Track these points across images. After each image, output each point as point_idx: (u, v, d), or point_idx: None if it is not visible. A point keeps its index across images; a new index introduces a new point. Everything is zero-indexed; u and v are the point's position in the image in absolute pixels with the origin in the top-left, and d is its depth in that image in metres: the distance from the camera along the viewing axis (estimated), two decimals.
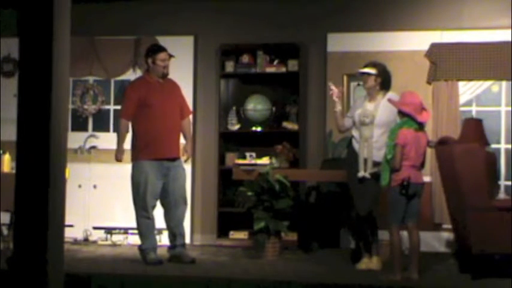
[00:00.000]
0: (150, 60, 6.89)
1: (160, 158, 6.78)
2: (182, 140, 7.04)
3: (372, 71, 6.58)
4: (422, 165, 6.14)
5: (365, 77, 6.62)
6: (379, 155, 6.42)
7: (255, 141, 8.57)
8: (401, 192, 5.95)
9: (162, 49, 6.96)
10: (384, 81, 6.59)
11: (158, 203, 6.90)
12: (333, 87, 6.83)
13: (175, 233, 6.91)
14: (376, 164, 6.44)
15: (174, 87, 7.05)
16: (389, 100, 6.27)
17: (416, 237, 6.04)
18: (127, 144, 8.35)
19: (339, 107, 6.75)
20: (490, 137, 7.41)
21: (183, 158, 6.98)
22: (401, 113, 6.10)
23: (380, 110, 6.50)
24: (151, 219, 6.82)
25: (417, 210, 6.09)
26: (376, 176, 6.39)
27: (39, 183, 4.42)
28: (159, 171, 6.78)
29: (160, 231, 7.56)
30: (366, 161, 6.50)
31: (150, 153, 6.76)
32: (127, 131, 6.89)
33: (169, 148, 6.83)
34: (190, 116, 7.21)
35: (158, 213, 6.95)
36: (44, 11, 4.48)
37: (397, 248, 6.02)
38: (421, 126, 6.08)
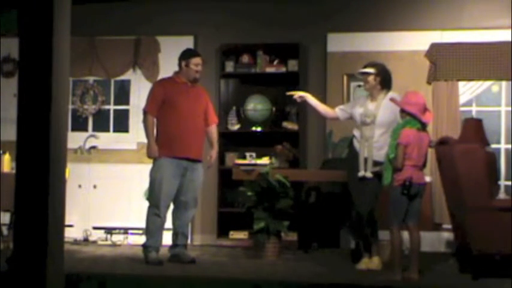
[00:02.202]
0: (183, 63, 6.92)
1: (179, 156, 6.78)
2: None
3: (372, 70, 6.58)
4: (424, 165, 6.14)
5: (365, 77, 6.62)
6: (379, 154, 6.42)
7: (255, 141, 8.57)
8: (403, 192, 5.95)
9: (197, 54, 7.06)
10: (384, 81, 6.59)
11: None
12: (291, 94, 7.05)
13: (178, 232, 6.91)
14: (376, 163, 6.44)
15: (202, 93, 7.08)
16: (392, 99, 6.26)
17: (416, 238, 6.04)
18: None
19: (309, 101, 6.95)
20: (490, 137, 7.40)
21: (205, 163, 6.97)
22: (404, 113, 6.08)
23: (381, 110, 6.51)
24: (161, 218, 6.80)
25: (418, 211, 6.08)
26: (377, 176, 6.39)
27: (39, 183, 4.42)
28: (176, 170, 6.78)
29: None
30: (366, 160, 6.50)
31: (169, 151, 6.77)
32: (153, 126, 6.87)
33: (189, 148, 6.83)
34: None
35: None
36: (44, 11, 4.48)
37: (398, 248, 6.01)
38: (423, 126, 6.08)
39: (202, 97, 7.05)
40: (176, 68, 7.01)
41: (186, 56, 6.97)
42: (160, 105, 6.83)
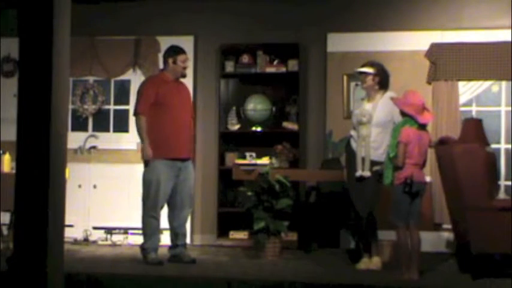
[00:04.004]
0: (170, 60, 6.91)
1: (174, 157, 6.77)
2: None
3: (370, 70, 6.58)
4: (424, 164, 6.14)
5: (363, 77, 6.62)
6: (376, 154, 6.43)
7: (255, 141, 8.57)
8: (404, 190, 5.95)
9: (183, 51, 7.02)
10: (382, 81, 6.59)
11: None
12: None
13: (177, 232, 6.90)
14: (374, 163, 6.44)
15: (186, 90, 7.10)
16: (392, 99, 6.27)
17: (417, 237, 6.04)
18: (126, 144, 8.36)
19: None
20: (490, 137, 7.41)
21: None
22: (402, 112, 6.10)
23: (378, 109, 6.51)
24: (157, 219, 6.81)
25: (419, 211, 6.08)
26: (376, 175, 6.38)
27: (39, 183, 4.42)
28: (171, 171, 6.77)
29: (160, 231, 7.55)
30: (363, 160, 6.50)
31: (164, 152, 6.74)
32: (146, 127, 6.78)
33: (183, 148, 6.82)
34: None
35: (162, 213, 6.95)
36: (44, 11, 4.47)
37: (404, 248, 6.00)
38: (422, 126, 6.08)
39: (187, 93, 7.06)
40: None
41: (173, 53, 6.94)
42: (151, 105, 6.76)
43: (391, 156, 6.04)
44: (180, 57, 6.91)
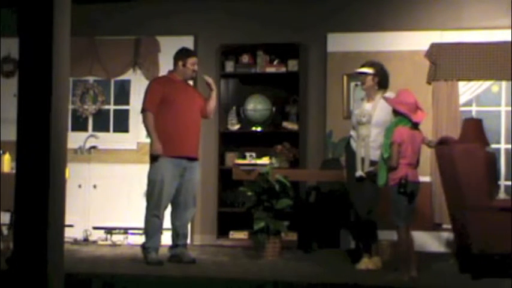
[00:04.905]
0: (180, 62, 6.93)
1: (179, 155, 6.77)
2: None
3: (369, 70, 6.57)
4: (417, 163, 6.14)
5: (362, 77, 6.62)
6: (376, 154, 6.42)
7: (255, 141, 8.58)
8: (399, 190, 5.95)
9: (193, 53, 7.08)
10: (382, 81, 6.58)
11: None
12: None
13: (179, 232, 6.91)
14: (373, 163, 6.44)
15: (195, 91, 7.16)
16: (385, 98, 6.27)
17: (410, 237, 6.04)
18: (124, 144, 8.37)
19: None
20: (490, 137, 7.41)
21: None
22: (395, 111, 6.10)
23: (378, 109, 6.50)
24: (160, 219, 6.80)
25: (413, 210, 6.08)
26: (371, 176, 6.37)
27: (39, 183, 4.42)
28: (176, 170, 6.77)
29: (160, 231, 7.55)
30: (363, 160, 6.49)
31: (169, 150, 6.73)
32: (153, 124, 6.78)
33: (188, 147, 6.82)
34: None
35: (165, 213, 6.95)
36: (44, 11, 4.47)
37: (405, 248, 5.99)
38: (415, 125, 6.07)
39: (197, 94, 7.07)
40: None
41: (182, 55, 6.96)
42: (158, 103, 6.79)
43: (385, 157, 6.04)
44: (190, 60, 6.94)
